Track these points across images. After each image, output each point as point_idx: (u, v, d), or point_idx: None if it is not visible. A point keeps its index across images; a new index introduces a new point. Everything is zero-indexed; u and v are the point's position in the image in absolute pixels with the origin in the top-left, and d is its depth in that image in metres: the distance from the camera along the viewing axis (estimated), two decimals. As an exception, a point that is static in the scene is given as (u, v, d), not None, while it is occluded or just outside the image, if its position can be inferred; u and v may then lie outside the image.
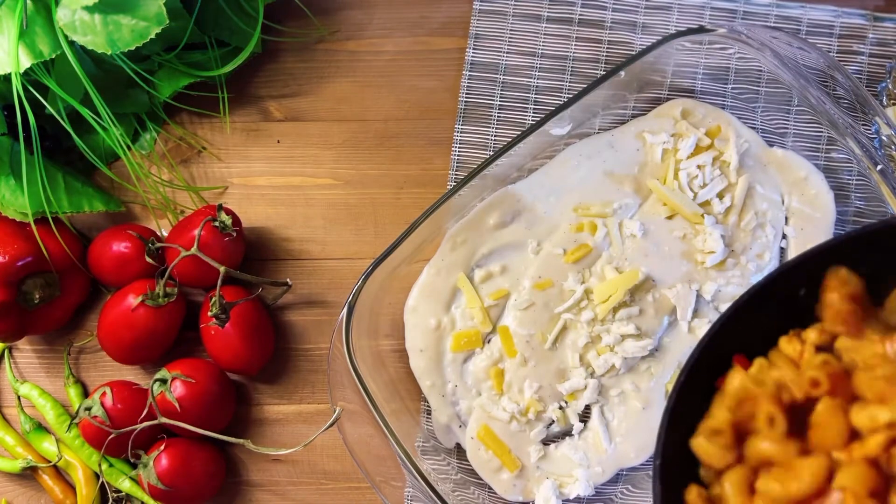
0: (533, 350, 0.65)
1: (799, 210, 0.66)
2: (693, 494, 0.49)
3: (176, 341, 0.69)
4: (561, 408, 0.65)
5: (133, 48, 0.61)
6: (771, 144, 0.67)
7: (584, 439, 0.65)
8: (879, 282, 0.49)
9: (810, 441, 0.47)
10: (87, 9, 0.61)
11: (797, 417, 0.48)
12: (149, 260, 0.67)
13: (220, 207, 0.67)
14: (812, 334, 0.49)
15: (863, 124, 0.59)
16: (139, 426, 0.64)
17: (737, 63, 0.64)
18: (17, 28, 0.61)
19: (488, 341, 0.66)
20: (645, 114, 0.67)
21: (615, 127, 0.68)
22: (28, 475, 0.71)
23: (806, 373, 0.47)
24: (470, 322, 0.65)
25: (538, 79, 0.71)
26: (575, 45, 0.71)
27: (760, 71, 0.63)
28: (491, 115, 0.71)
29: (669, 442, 0.49)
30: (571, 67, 0.71)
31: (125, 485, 0.69)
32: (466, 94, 0.71)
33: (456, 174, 0.71)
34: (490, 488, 0.65)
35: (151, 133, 0.72)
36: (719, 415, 0.49)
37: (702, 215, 0.65)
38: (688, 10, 0.71)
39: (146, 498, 0.68)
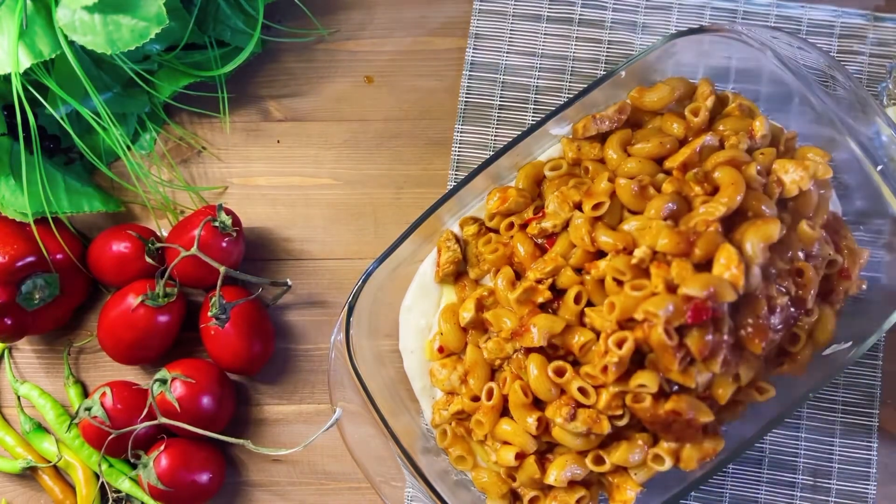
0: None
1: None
2: None
3: (176, 341, 0.69)
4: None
5: (133, 48, 0.62)
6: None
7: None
8: None
9: None
10: (87, 9, 0.61)
11: None
12: (149, 260, 0.67)
13: (220, 207, 0.67)
14: None
15: (863, 124, 0.59)
16: (139, 426, 0.64)
17: (737, 63, 0.64)
18: (17, 28, 0.61)
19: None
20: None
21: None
22: (28, 475, 0.71)
23: None
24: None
25: (538, 79, 0.71)
26: (575, 45, 0.71)
27: (760, 71, 0.63)
28: (491, 115, 0.71)
29: None
30: (571, 67, 0.71)
31: (125, 485, 0.69)
32: (466, 94, 0.71)
33: (456, 174, 0.71)
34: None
35: (151, 133, 0.72)
36: None
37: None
38: (688, 10, 0.71)
39: (146, 498, 0.68)
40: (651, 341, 0.52)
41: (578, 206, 0.59)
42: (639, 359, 0.55)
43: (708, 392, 0.55)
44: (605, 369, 0.54)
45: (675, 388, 0.55)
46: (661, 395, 0.54)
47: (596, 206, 0.58)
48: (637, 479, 0.58)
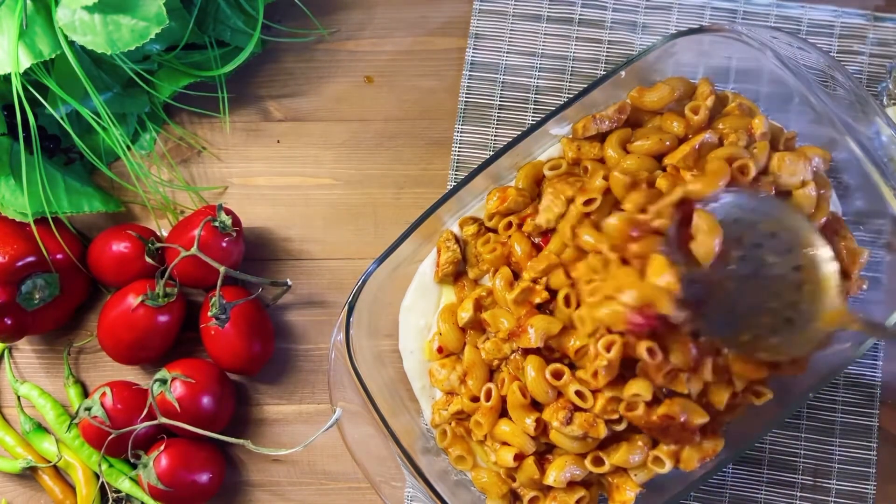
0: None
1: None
2: None
3: (176, 341, 0.69)
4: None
5: (133, 48, 0.62)
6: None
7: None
8: None
9: None
10: (87, 9, 0.61)
11: None
12: (149, 260, 0.67)
13: (220, 207, 0.67)
14: None
15: (863, 124, 0.59)
16: (139, 426, 0.64)
17: (737, 63, 0.64)
18: (17, 28, 0.61)
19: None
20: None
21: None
22: (28, 475, 0.71)
23: None
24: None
25: (538, 79, 0.71)
26: (575, 45, 0.71)
27: (761, 71, 0.63)
28: (491, 115, 0.71)
29: None
30: (571, 67, 0.71)
31: (125, 485, 0.69)
32: (466, 94, 0.71)
33: (456, 174, 0.71)
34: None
35: (151, 133, 0.72)
36: None
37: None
38: (688, 10, 0.71)
39: (146, 498, 0.68)
40: (634, 351, 0.52)
41: (573, 202, 0.59)
42: (632, 364, 0.54)
43: (705, 399, 0.55)
44: (595, 374, 0.54)
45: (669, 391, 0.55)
46: (654, 400, 0.54)
47: (588, 203, 0.58)
48: (637, 480, 0.58)
